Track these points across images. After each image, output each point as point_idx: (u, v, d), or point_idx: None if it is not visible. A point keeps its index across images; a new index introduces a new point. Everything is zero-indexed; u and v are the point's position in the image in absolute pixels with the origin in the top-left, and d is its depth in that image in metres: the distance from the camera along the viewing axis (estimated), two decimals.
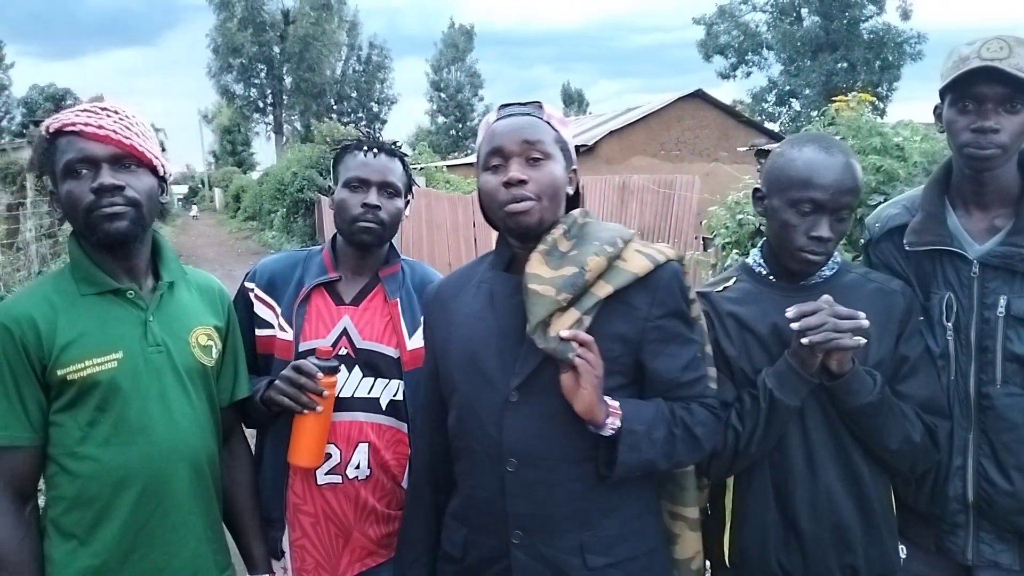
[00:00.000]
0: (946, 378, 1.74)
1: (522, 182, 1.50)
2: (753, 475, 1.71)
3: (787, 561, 1.69)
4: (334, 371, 1.79)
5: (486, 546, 1.59)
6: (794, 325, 1.56)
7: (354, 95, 50.28)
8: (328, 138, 22.72)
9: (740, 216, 6.09)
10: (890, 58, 34.55)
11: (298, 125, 46.41)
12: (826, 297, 1.58)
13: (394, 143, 2.01)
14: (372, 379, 1.92)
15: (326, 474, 1.89)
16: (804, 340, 1.54)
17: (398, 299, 1.97)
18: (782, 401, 1.61)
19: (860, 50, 34.49)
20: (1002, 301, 1.69)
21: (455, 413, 1.64)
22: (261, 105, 48.49)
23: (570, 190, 1.62)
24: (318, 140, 23.40)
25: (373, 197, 1.90)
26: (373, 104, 50.83)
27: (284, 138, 46.42)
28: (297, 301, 1.91)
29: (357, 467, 1.90)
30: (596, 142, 19.58)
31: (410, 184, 2.03)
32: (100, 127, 1.60)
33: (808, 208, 1.64)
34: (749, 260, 1.83)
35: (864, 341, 1.55)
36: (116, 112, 1.65)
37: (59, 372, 1.57)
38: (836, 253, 1.75)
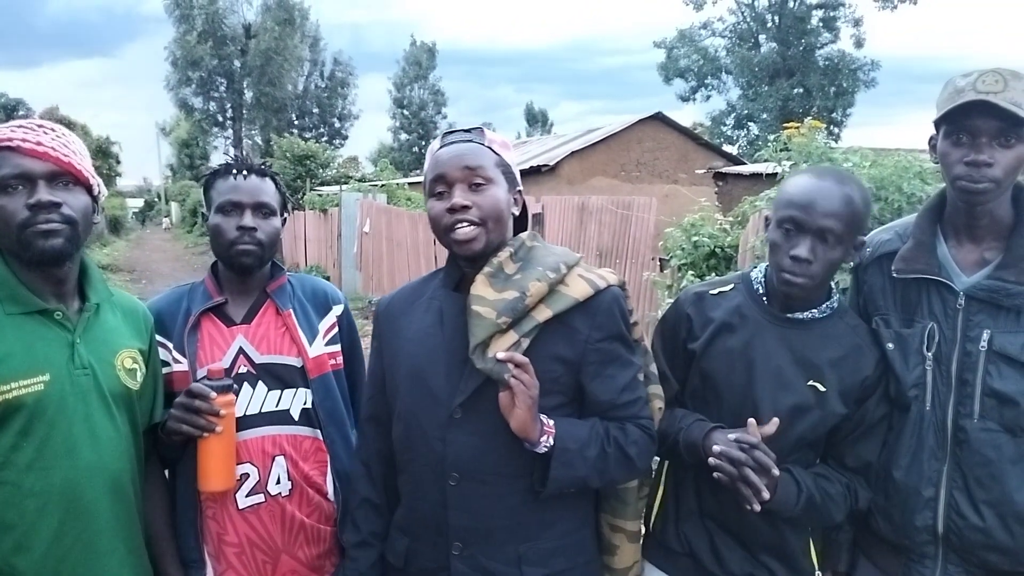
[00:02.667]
0: (920, 408, 1.74)
1: (465, 207, 1.56)
2: (685, 471, 1.81)
3: (693, 540, 1.80)
4: (228, 389, 1.76)
5: (427, 556, 1.63)
6: (712, 461, 1.60)
7: (316, 111, 49.98)
8: (288, 153, 22.60)
9: (695, 238, 6.17)
10: (844, 84, 35.46)
11: (258, 140, 45.97)
12: (765, 429, 1.61)
13: (263, 163, 2.02)
14: (279, 391, 1.91)
15: (247, 496, 1.86)
16: (714, 474, 1.60)
17: (291, 309, 1.96)
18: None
19: (816, 76, 35.33)
20: (985, 335, 1.68)
21: (401, 426, 1.67)
22: (220, 119, 47.97)
23: (515, 211, 1.67)
24: (278, 155, 23.22)
25: (248, 219, 1.89)
26: (335, 120, 50.59)
27: (244, 152, 45.92)
28: (186, 330, 1.89)
29: (278, 482, 1.87)
30: (558, 162, 19.68)
31: (285, 203, 2.03)
32: (38, 143, 1.57)
33: (790, 227, 1.67)
34: (753, 273, 1.84)
35: (767, 496, 1.57)
36: (53, 129, 1.63)
37: None
38: (837, 299, 1.78)
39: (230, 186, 1.92)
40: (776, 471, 1.59)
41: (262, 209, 1.92)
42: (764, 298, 1.79)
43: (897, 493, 1.77)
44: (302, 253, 18.77)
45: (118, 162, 40.97)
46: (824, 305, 1.76)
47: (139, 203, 61.98)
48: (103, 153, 39.77)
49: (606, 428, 1.61)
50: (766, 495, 1.57)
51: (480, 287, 1.57)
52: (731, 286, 1.83)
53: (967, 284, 1.71)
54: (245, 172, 1.94)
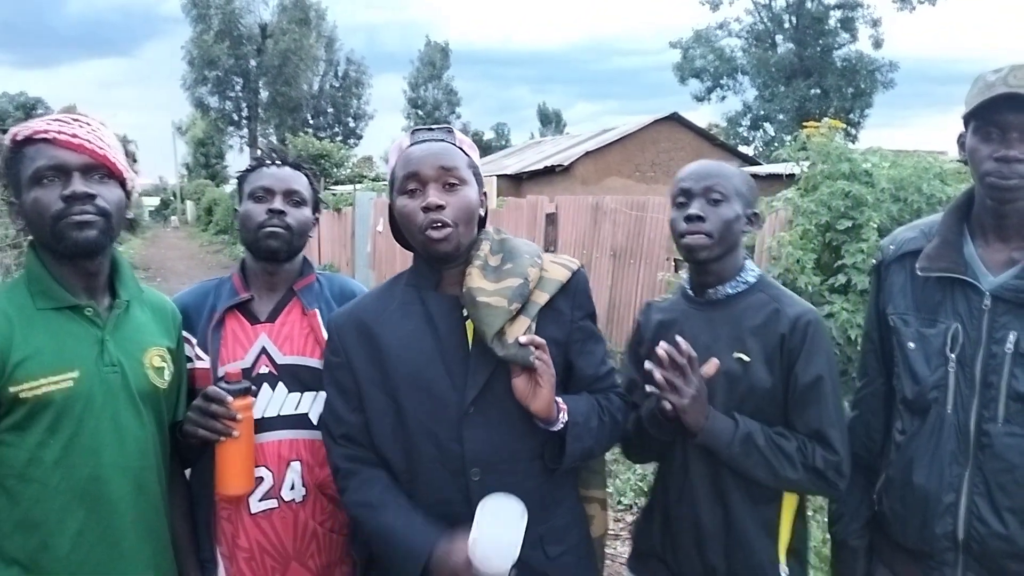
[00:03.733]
0: (941, 411, 1.69)
1: (440, 207, 1.57)
2: (657, 472, 1.90)
3: (660, 548, 1.85)
4: (246, 392, 1.72)
5: None
6: (649, 388, 1.65)
7: (331, 110, 50.19)
8: (303, 152, 22.70)
9: None
10: (862, 85, 35.26)
11: (273, 139, 46.17)
12: (705, 369, 1.66)
13: (299, 158, 2.02)
14: (299, 394, 1.86)
15: (260, 500, 1.82)
16: (647, 387, 1.65)
17: (317, 310, 1.92)
18: (654, 436, 1.75)
19: (833, 77, 35.14)
20: (1011, 337, 1.62)
21: (402, 434, 1.63)
22: (236, 118, 48.23)
23: (482, 212, 1.69)
24: (293, 155, 23.30)
25: (278, 203, 1.88)
26: (349, 120, 50.78)
27: (259, 152, 46.10)
28: (211, 326, 1.86)
29: (292, 488, 1.83)
30: (572, 162, 19.67)
31: (317, 200, 2.01)
32: (74, 135, 1.56)
33: (682, 199, 1.80)
34: (683, 279, 1.97)
35: (686, 400, 1.63)
36: (89, 123, 1.62)
37: (11, 389, 1.50)
38: (751, 270, 1.82)
39: (263, 174, 1.93)
40: (695, 380, 1.65)
41: (293, 196, 1.91)
42: (691, 291, 1.88)
43: (916, 499, 1.71)
44: (316, 252, 18.84)
45: (135, 160, 40.93)
46: (737, 279, 1.81)
47: (155, 201, 62.43)
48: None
49: (597, 400, 1.68)
50: (686, 397, 1.62)
51: (476, 280, 1.59)
52: (672, 294, 1.96)
53: (994, 284, 1.66)
54: (279, 162, 1.95)
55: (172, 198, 57.99)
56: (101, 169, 1.59)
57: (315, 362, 1.87)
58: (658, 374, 1.62)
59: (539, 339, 1.53)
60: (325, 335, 1.86)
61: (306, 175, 1.98)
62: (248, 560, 1.83)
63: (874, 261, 1.92)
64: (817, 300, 5.02)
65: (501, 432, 1.59)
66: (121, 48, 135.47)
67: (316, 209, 2.00)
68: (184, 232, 39.63)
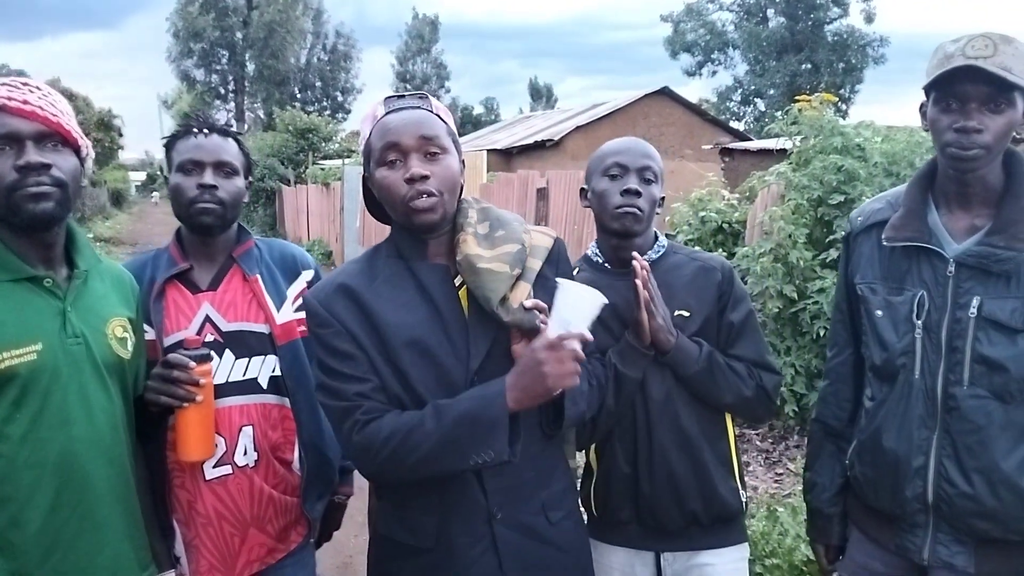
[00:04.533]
0: (909, 376, 1.74)
1: (424, 177, 1.52)
2: (609, 437, 1.93)
3: (635, 511, 1.92)
4: (206, 359, 1.72)
5: (462, 531, 1.57)
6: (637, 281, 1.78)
7: (318, 84, 49.73)
8: (291, 127, 22.46)
9: (703, 213, 6.10)
10: (853, 60, 35.16)
11: (261, 113, 45.76)
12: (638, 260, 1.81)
13: (227, 124, 1.97)
14: (246, 359, 1.87)
15: (214, 467, 1.83)
16: (637, 282, 1.78)
17: (258, 275, 1.92)
18: (625, 374, 1.84)
19: (824, 52, 35.03)
20: (975, 301, 1.67)
21: (411, 402, 1.55)
22: (222, 92, 47.73)
23: (462, 180, 1.64)
24: (280, 128, 23.10)
25: (208, 177, 1.85)
26: (338, 93, 50.35)
27: (246, 126, 45.70)
28: (152, 298, 1.85)
29: (245, 453, 1.85)
30: (562, 137, 19.58)
31: (249, 165, 1.98)
32: (25, 102, 1.50)
33: (616, 172, 1.89)
34: (588, 251, 2.04)
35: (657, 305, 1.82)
36: (39, 88, 1.55)
37: None
38: (662, 238, 1.99)
39: (191, 145, 1.88)
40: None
41: (224, 168, 1.88)
42: (606, 264, 1.98)
43: (887, 463, 1.76)
44: (304, 227, 18.73)
45: (120, 135, 40.68)
46: (656, 246, 1.97)
47: (142, 176, 61.84)
48: (105, 126, 39.54)
49: (583, 364, 1.61)
50: (658, 316, 1.79)
51: (472, 247, 1.57)
52: (577, 269, 1.95)
53: (957, 251, 1.70)
54: (206, 131, 1.89)
55: (159, 173, 57.42)
56: (55, 137, 1.54)
57: (260, 327, 1.89)
58: (643, 292, 1.77)
59: (542, 303, 1.53)
60: (268, 300, 1.89)
61: (236, 141, 1.94)
62: (206, 526, 1.85)
63: (843, 232, 1.98)
64: (808, 275, 5.02)
65: None
66: (105, 20, 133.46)
67: (248, 175, 1.97)
68: (169, 207, 39.30)
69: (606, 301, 1.48)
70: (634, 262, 1.79)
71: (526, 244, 1.61)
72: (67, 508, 1.53)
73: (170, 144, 1.93)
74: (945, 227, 1.73)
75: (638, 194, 1.86)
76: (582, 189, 2.01)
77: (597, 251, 2.01)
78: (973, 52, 1.58)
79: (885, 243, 1.78)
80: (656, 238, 1.99)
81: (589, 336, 1.47)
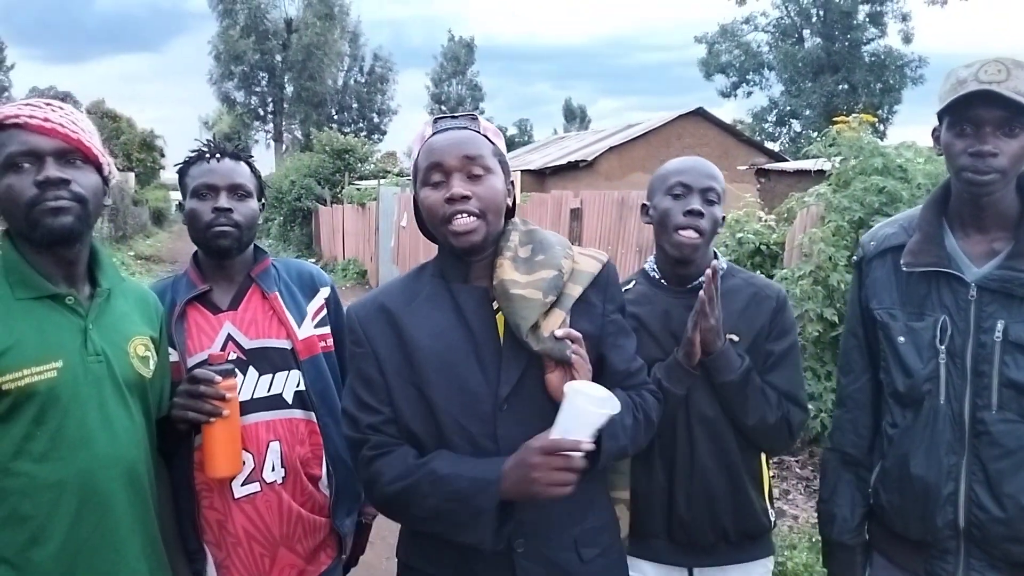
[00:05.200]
0: (934, 402, 1.72)
1: (465, 198, 1.51)
2: (646, 451, 1.85)
3: (667, 526, 1.92)
4: (231, 374, 1.74)
5: (485, 563, 1.54)
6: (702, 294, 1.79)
7: (355, 105, 50.35)
8: (327, 147, 22.75)
9: (740, 235, 6.03)
10: (891, 81, 34.77)
11: (298, 134, 46.45)
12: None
13: (237, 147, 1.99)
14: (270, 375, 1.89)
15: (243, 484, 1.84)
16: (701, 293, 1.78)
17: (277, 292, 1.94)
18: (670, 390, 1.83)
19: (861, 72, 34.68)
20: (999, 325, 1.66)
21: (434, 429, 1.55)
22: (261, 113, 48.52)
23: (509, 202, 1.63)
24: (317, 149, 23.39)
25: (223, 200, 1.88)
26: (374, 115, 50.92)
27: (284, 146, 46.43)
28: (173, 320, 1.86)
29: (272, 469, 1.86)
30: (596, 158, 19.58)
31: (261, 187, 2.01)
32: (46, 119, 1.53)
33: (679, 191, 1.89)
34: (646, 266, 2.05)
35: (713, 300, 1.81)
36: (62, 107, 1.58)
37: None
38: (722, 259, 1.98)
39: (203, 170, 1.90)
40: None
41: (237, 191, 1.90)
42: (663, 280, 1.98)
43: (915, 490, 1.74)
44: (340, 246, 18.90)
45: (162, 155, 41.64)
46: (715, 263, 1.91)
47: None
48: (148, 146, 40.51)
49: (630, 396, 1.63)
50: (712, 318, 1.78)
51: (509, 272, 1.53)
52: (633, 282, 2.03)
53: (978, 275, 1.69)
54: (218, 155, 1.92)
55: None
56: (76, 154, 1.55)
57: (282, 343, 1.90)
58: (704, 291, 1.77)
59: (575, 332, 1.49)
60: (288, 316, 1.90)
61: (248, 164, 1.97)
62: (236, 547, 1.85)
63: (855, 258, 1.96)
64: None
65: (535, 429, 1.49)
66: (149, 43, 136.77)
67: (261, 196, 2.00)
68: None
69: (618, 409, 1.43)
70: (708, 271, 1.78)
71: (564, 270, 1.56)
72: (86, 527, 1.53)
73: (183, 170, 1.96)
74: (963, 251, 1.73)
75: (700, 215, 1.86)
76: (643, 205, 2.01)
77: (654, 267, 2.01)
78: (987, 77, 1.59)
79: (904, 268, 1.76)
80: (715, 258, 1.97)
81: (587, 447, 1.40)
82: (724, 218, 1.94)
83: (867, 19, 35.47)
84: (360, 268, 16.97)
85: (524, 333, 1.49)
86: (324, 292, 2.05)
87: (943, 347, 1.70)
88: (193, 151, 1.96)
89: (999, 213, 1.70)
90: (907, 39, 35.02)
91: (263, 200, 2.01)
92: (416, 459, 1.53)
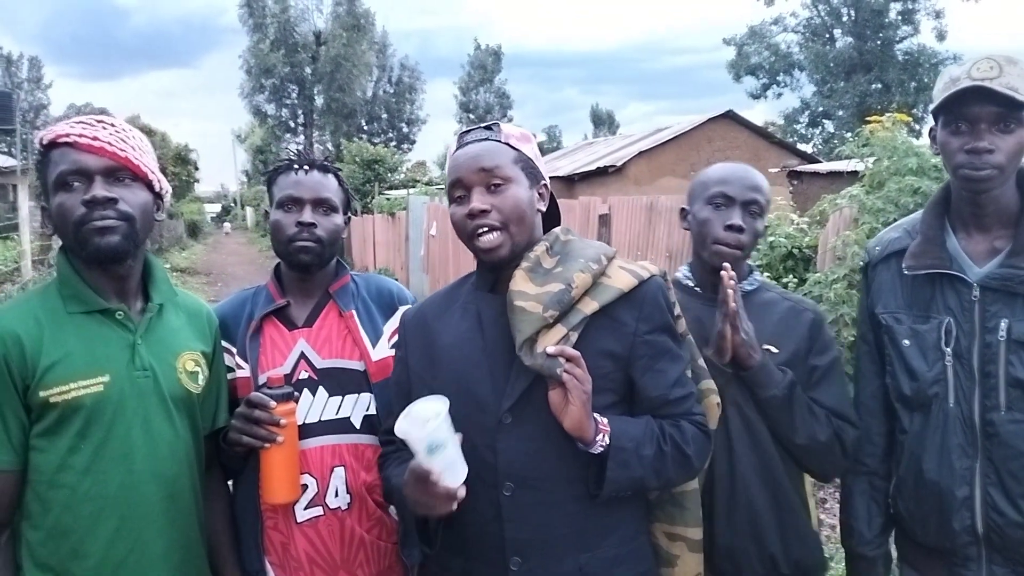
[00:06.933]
0: (943, 405, 1.71)
1: (484, 212, 1.51)
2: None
3: (708, 552, 1.74)
4: (288, 397, 1.70)
5: (484, 574, 1.54)
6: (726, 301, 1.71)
7: (384, 116, 50.76)
8: (358, 158, 22.97)
9: (771, 238, 5.95)
10: (926, 79, 34.15)
11: (329, 145, 46.87)
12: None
13: (326, 159, 1.95)
14: (340, 398, 1.83)
15: (305, 508, 1.80)
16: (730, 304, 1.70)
17: (353, 310, 1.89)
18: None
19: (895, 71, 34.15)
20: (1003, 325, 1.64)
21: None
22: (292, 125, 49.10)
23: (541, 207, 1.61)
24: (348, 160, 23.62)
25: (307, 215, 1.84)
26: (403, 125, 51.28)
27: (306, 148, 46.79)
28: (248, 334, 1.84)
29: (336, 495, 1.80)
30: (625, 163, 19.48)
31: (348, 201, 1.97)
32: (95, 138, 1.55)
33: (720, 201, 1.82)
34: (679, 274, 1.98)
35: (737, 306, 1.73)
36: (112, 124, 1.60)
37: (42, 393, 1.50)
38: (757, 273, 1.93)
39: (291, 181, 1.87)
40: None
41: (323, 205, 1.87)
42: (697, 288, 1.91)
43: (930, 496, 1.72)
44: (371, 256, 19.03)
45: (196, 168, 42.38)
46: (750, 278, 1.91)
47: (216, 208, 64.06)
48: (182, 160, 41.15)
49: (661, 426, 1.54)
50: (741, 331, 1.71)
51: (520, 282, 1.51)
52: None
53: (980, 275, 1.69)
54: (307, 167, 1.88)
55: (232, 204, 59.34)
56: (124, 171, 1.57)
57: (354, 364, 1.85)
58: (731, 302, 1.69)
59: (571, 351, 1.42)
60: (363, 336, 1.87)
61: (336, 176, 1.93)
62: (297, 570, 1.81)
63: (861, 263, 1.96)
64: None
65: (538, 446, 1.49)
66: (182, 59, 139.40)
67: (347, 210, 1.96)
68: (243, 237, 40.54)
69: (441, 410, 1.41)
70: (723, 272, 1.72)
71: (575, 284, 1.49)
72: (126, 541, 1.55)
73: (271, 179, 1.93)
74: (965, 251, 1.72)
75: (741, 230, 1.80)
76: (682, 210, 1.95)
77: (689, 274, 1.95)
78: (979, 74, 1.60)
79: (906, 272, 1.75)
80: (750, 271, 1.93)
81: (432, 470, 1.37)
82: (766, 227, 1.89)
83: (899, 17, 34.96)
84: (391, 276, 16.99)
85: (518, 346, 1.47)
86: (403, 310, 1.95)
87: (948, 349, 1.69)
88: (282, 160, 1.94)
89: (999, 211, 1.70)
90: (941, 36, 34.43)
91: (349, 214, 1.97)
92: (397, 463, 1.60)
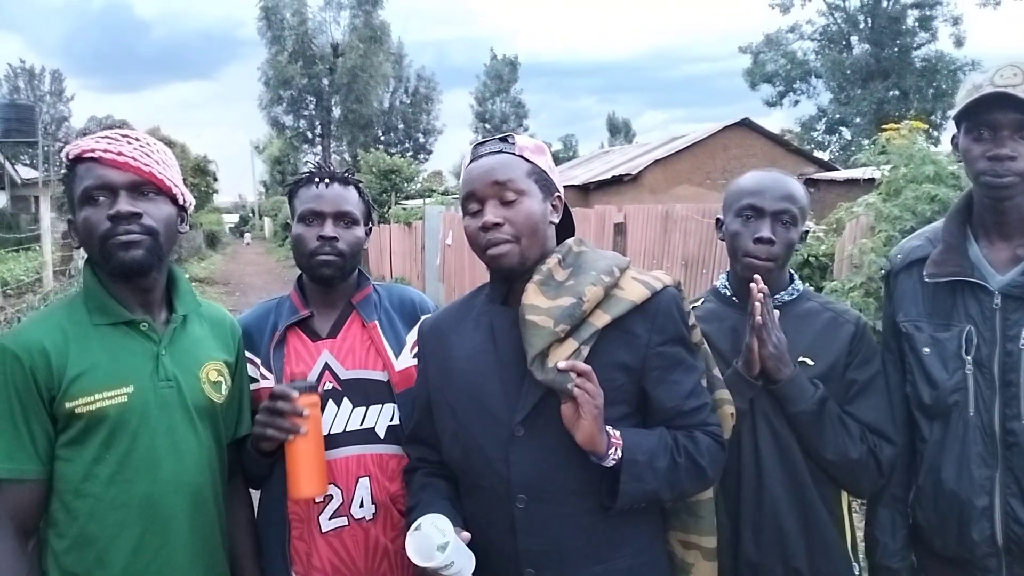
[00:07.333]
0: (963, 413, 1.69)
1: (497, 225, 1.52)
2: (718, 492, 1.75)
3: (736, 569, 1.75)
4: (311, 389, 1.70)
5: None
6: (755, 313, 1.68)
7: (401, 126, 50.98)
8: (374, 168, 23.08)
9: None
10: (943, 86, 33.89)
11: (346, 155, 47.13)
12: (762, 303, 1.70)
13: (347, 171, 1.96)
14: (364, 408, 1.84)
15: (330, 518, 1.80)
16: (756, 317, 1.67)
17: (376, 321, 1.90)
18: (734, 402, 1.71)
19: (912, 78, 33.93)
20: None
21: (459, 449, 1.61)
22: (310, 136, 49.39)
23: (554, 219, 1.62)
24: (364, 170, 23.76)
25: (329, 229, 1.85)
26: (419, 135, 51.47)
27: (327, 160, 47.01)
28: (272, 345, 1.86)
29: (361, 505, 1.81)
30: (640, 171, 19.46)
31: (369, 213, 1.98)
32: (119, 153, 1.57)
33: (749, 213, 1.79)
34: (717, 283, 1.97)
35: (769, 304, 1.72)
36: (137, 139, 1.62)
37: (67, 404, 1.53)
38: (799, 282, 1.89)
39: (312, 195, 1.88)
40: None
41: (344, 218, 1.88)
42: (734, 298, 1.88)
43: (949, 506, 1.71)
44: (387, 265, 19.10)
45: (215, 179, 42.62)
46: (790, 288, 1.87)
47: (235, 218, 64.56)
48: (201, 171, 41.40)
49: (675, 437, 1.53)
50: (770, 344, 1.68)
51: (532, 296, 1.51)
52: (701, 300, 1.95)
53: (1002, 283, 1.68)
54: (328, 180, 1.89)
55: (251, 215, 59.78)
56: (148, 186, 1.59)
57: (378, 375, 1.86)
58: (758, 316, 1.67)
59: (583, 365, 1.42)
60: (386, 347, 1.88)
61: (357, 189, 1.94)
62: None
63: (883, 272, 1.95)
64: None
65: (550, 459, 1.50)
66: (202, 71, 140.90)
67: (368, 221, 1.97)
68: (261, 248, 40.78)
69: (447, 561, 1.41)
70: (752, 285, 1.70)
71: (586, 298, 1.49)
72: (150, 550, 1.57)
73: (292, 192, 1.94)
74: (987, 259, 1.71)
75: (771, 242, 1.77)
76: (717, 219, 1.93)
77: (726, 283, 1.94)
78: (1002, 81, 1.59)
79: (927, 279, 1.74)
80: (791, 280, 1.89)
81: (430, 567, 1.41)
82: (805, 232, 1.84)
83: (916, 24, 34.73)
84: (407, 285, 17.12)
85: (530, 361, 1.47)
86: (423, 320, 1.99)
87: (969, 357, 1.68)
88: (303, 173, 1.95)
89: (1021, 218, 1.69)
90: (959, 43, 34.19)
91: (370, 225, 1.98)
92: (418, 487, 1.67)
